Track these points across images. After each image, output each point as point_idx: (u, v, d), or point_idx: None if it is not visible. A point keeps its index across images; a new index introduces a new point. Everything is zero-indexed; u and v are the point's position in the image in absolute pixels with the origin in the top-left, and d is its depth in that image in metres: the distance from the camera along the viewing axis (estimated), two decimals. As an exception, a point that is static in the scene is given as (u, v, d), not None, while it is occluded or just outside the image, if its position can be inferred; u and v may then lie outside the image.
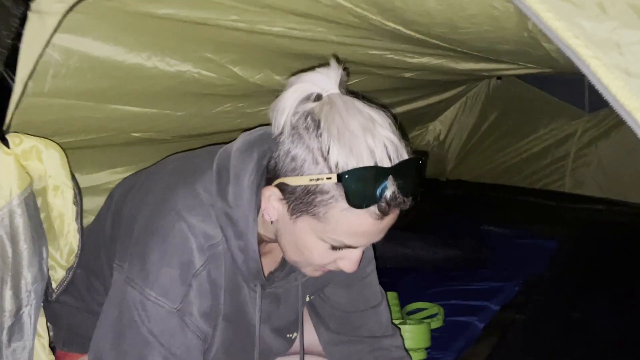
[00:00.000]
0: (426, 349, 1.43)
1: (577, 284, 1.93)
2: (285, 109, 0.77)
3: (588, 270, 2.04)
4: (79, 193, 0.99)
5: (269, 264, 0.96)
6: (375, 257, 2.08)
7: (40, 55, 0.84)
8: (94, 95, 1.03)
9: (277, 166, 0.80)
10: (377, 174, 0.73)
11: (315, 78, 0.79)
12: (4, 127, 0.89)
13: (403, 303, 1.75)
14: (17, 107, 0.88)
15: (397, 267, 2.06)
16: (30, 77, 0.85)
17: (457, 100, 2.74)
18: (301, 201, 0.77)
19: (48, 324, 0.96)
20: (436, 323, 1.64)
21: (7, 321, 0.90)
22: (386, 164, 0.74)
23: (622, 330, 1.55)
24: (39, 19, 0.83)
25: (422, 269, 2.07)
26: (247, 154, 0.86)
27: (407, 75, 1.57)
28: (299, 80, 0.79)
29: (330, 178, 0.74)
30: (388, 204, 0.75)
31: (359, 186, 0.73)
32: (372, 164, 0.73)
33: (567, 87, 2.58)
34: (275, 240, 0.89)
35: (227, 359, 0.98)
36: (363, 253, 0.84)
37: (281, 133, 0.79)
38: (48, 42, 0.84)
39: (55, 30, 0.83)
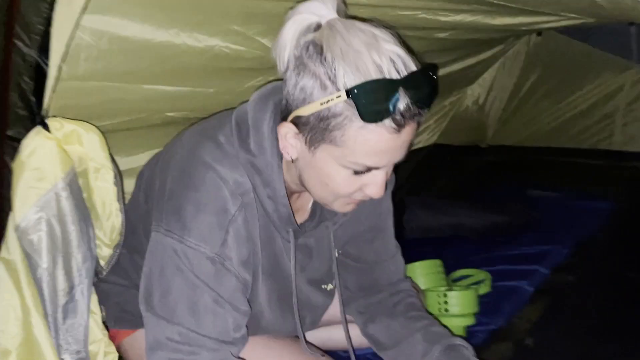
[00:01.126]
0: (475, 314, 1.41)
1: (632, 243, 1.84)
2: (287, 43, 0.78)
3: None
4: (119, 174, 1.01)
5: (299, 216, 0.97)
6: (417, 227, 2.06)
7: (71, 38, 0.85)
8: (127, 76, 1.04)
9: (288, 102, 0.80)
10: (386, 86, 0.73)
11: (312, 7, 0.79)
12: (43, 112, 0.91)
13: (448, 271, 1.72)
14: (53, 91, 0.90)
15: (441, 236, 2.03)
16: (63, 60, 0.87)
17: (496, 61, 2.64)
18: (317, 130, 0.78)
19: (100, 304, 1.00)
20: (484, 289, 1.61)
21: (62, 300, 0.94)
22: (395, 76, 0.74)
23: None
24: (66, 2, 0.84)
25: (468, 236, 2.03)
26: (262, 104, 0.88)
27: (441, 35, 1.51)
28: (296, 12, 0.79)
29: (339, 97, 0.74)
30: (403, 115, 0.74)
31: (370, 100, 0.73)
32: (375, 78, 0.73)
33: (613, 38, 2.45)
34: (302, 189, 0.90)
35: (271, 312, 1.00)
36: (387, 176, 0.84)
37: (287, 69, 0.79)
38: (77, 24, 0.85)
39: (83, 11, 0.84)
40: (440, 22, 1.36)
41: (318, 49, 0.76)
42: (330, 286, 1.09)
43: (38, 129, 0.90)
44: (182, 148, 0.93)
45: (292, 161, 0.85)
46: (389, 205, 1.12)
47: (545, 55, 2.66)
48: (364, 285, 1.15)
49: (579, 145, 2.76)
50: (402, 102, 0.74)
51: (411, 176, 2.43)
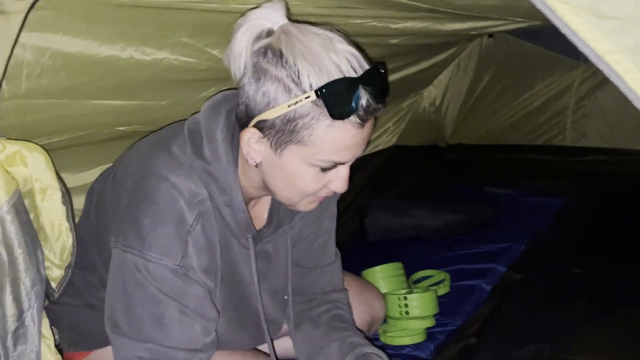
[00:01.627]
0: (434, 315, 1.43)
1: (580, 239, 1.90)
2: (242, 51, 0.79)
3: (593, 223, 2.02)
4: (67, 192, 0.98)
5: (257, 222, 0.97)
6: (379, 230, 2.08)
7: (10, 56, 0.83)
8: (73, 92, 1.01)
9: (249, 108, 0.81)
10: (349, 84, 0.76)
11: (262, 14, 0.80)
12: (-15, 134, 0.88)
13: (409, 272, 1.74)
14: (-6, 112, 0.87)
15: (402, 237, 2.06)
16: (2, 79, 0.84)
17: (450, 63, 2.69)
18: (283, 132, 0.79)
19: (52, 327, 0.97)
20: (443, 289, 1.64)
21: (11, 326, 0.90)
22: (353, 74, 0.77)
23: (624, 283, 1.52)
24: (3, 20, 0.81)
25: (428, 236, 2.06)
26: (215, 112, 0.89)
27: (394, 41, 1.53)
28: (248, 20, 0.80)
29: (308, 97, 0.76)
30: (365, 111, 0.78)
31: (337, 99, 0.76)
32: (338, 78, 0.76)
33: (560, 38, 2.51)
34: (263, 193, 0.92)
35: (225, 319, 0.98)
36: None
37: (243, 76, 0.80)
38: (16, 41, 0.82)
39: (21, 28, 0.81)
40: (391, 29, 1.38)
41: (277, 54, 0.77)
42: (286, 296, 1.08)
43: (-21, 152, 0.87)
44: (135, 160, 0.92)
45: (256, 166, 0.85)
46: (334, 211, 1.13)
47: (497, 56, 2.72)
48: (297, 290, 1.12)
49: (533, 142, 2.84)
50: (364, 98, 0.77)
51: (372, 179, 2.46)
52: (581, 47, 0.50)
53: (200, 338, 0.89)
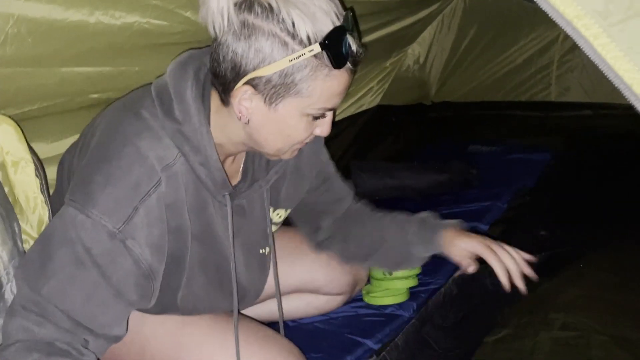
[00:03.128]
0: (417, 275, 1.45)
1: (563, 197, 1.90)
2: (223, 7, 0.76)
3: (577, 180, 2.03)
4: (40, 165, 0.97)
5: (231, 179, 0.96)
6: (363, 191, 2.08)
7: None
8: (41, 60, 0.98)
9: (237, 66, 0.79)
10: (340, 32, 0.78)
11: None
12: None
13: (394, 232, 1.75)
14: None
15: (386, 197, 2.06)
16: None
17: (434, 19, 2.64)
18: (280, 86, 0.80)
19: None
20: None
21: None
22: (337, 22, 0.78)
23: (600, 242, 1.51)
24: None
25: (412, 197, 2.07)
26: (182, 72, 0.87)
27: (374, -1, 1.50)
28: None
29: (312, 50, 0.77)
30: (355, 56, 0.81)
31: (336, 48, 0.78)
32: (331, 26, 0.77)
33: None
34: (239, 149, 0.92)
35: (206, 280, 0.98)
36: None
37: (225, 33, 0.78)
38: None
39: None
40: (371, -14, 1.34)
41: (266, 8, 0.76)
42: (267, 250, 1.08)
43: (-55, 124, 0.84)
44: (102, 126, 0.89)
45: (247, 123, 0.84)
46: (327, 156, 1.16)
47: (481, 11, 2.67)
48: (328, 222, 1.21)
49: (518, 98, 2.82)
50: (353, 44, 0.79)
51: (356, 140, 2.44)
52: (550, 12, 0.48)
53: (99, 321, 0.83)
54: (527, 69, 2.76)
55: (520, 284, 1.00)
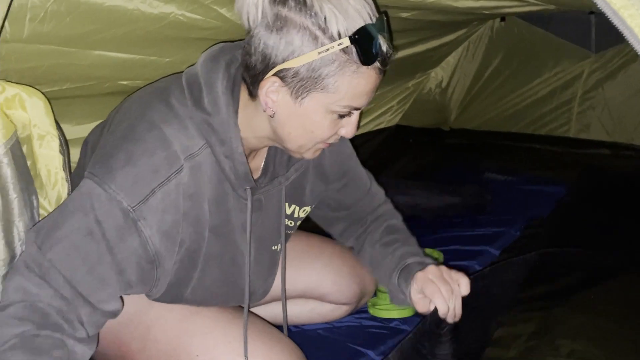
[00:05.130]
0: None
1: (576, 229, 1.89)
2: (259, 1, 0.78)
3: (591, 215, 2.01)
4: (65, 142, 0.98)
5: (253, 174, 0.95)
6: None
7: (13, -3, 0.81)
8: (76, 41, 1.00)
9: (267, 58, 0.80)
10: (372, 30, 0.78)
11: None
12: (-16, 75, 0.87)
13: (403, 249, 1.74)
14: (-5, 53, 0.86)
15: (398, 215, 2.06)
16: (4, 19, 0.83)
17: (459, 45, 2.66)
18: (307, 80, 0.80)
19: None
20: (436, 268, 1.64)
21: (2, 270, 0.91)
22: (370, 21, 0.79)
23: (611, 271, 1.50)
24: (8, -43, 0.79)
25: (423, 217, 2.06)
26: (213, 63, 0.88)
27: (404, 15, 1.51)
28: None
29: (341, 44, 0.77)
30: (385, 57, 0.81)
31: (366, 45, 0.78)
32: (363, 23, 0.78)
33: (573, 27, 2.50)
34: (264, 144, 0.93)
35: (219, 273, 0.98)
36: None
37: (258, 25, 0.79)
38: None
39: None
40: (403, 0, 1.36)
41: (300, 2, 0.77)
42: (279, 246, 1.08)
43: (-23, 92, 0.86)
44: (131, 108, 0.90)
45: (272, 116, 0.85)
46: (350, 150, 1.15)
47: (507, 41, 2.69)
48: (350, 224, 1.22)
49: (537, 132, 2.82)
50: (383, 44, 0.79)
51: (372, 156, 2.45)
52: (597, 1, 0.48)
53: (98, 294, 0.82)
54: (549, 102, 2.76)
55: (451, 320, 0.99)
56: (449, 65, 2.76)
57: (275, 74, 0.81)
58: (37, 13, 0.88)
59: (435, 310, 0.98)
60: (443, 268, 1.02)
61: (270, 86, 0.82)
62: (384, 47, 0.80)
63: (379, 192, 1.24)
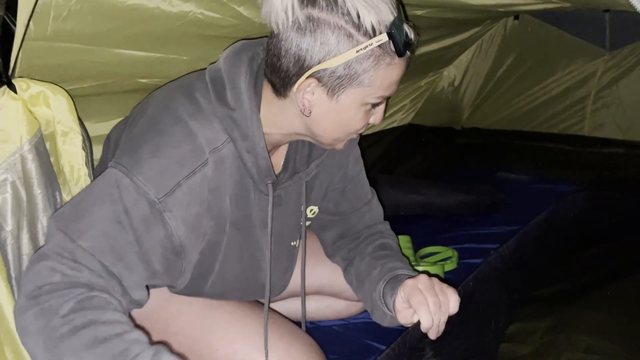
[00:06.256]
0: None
1: (591, 225, 1.88)
2: (288, 5, 0.78)
3: (607, 211, 2.00)
4: (87, 139, 1.00)
5: (275, 169, 0.96)
6: (389, 205, 2.09)
7: (39, -5, 0.83)
8: (97, 39, 1.01)
9: (301, 60, 0.81)
10: (400, 22, 0.81)
11: None
12: (10, 72, 0.89)
13: (417, 247, 1.75)
14: (20, 51, 0.88)
15: (411, 214, 2.06)
16: (30, 18, 0.85)
17: (473, 44, 2.65)
18: (344, 77, 0.82)
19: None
20: (450, 265, 1.64)
21: (26, 264, 0.93)
22: (395, 13, 0.81)
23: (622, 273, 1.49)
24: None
25: (437, 215, 2.06)
26: (236, 60, 0.89)
27: (418, 12, 1.51)
28: None
29: (380, 40, 0.79)
30: (413, 44, 0.84)
31: (399, 37, 0.80)
32: (392, 16, 0.80)
33: (587, 25, 2.48)
34: (288, 139, 0.93)
35: (239, 267, 0.98)
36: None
37: (288, 28, 0.80)
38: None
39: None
40: (418, -2, 1.36)
41: (330, 2, 0.78)
42: (297, 242, 1.09)
43: (3, 89, 0.87)
44: (156, 103, 0.91)
45: (309, 115, 0.86)
46: (357, 154, 1.15)
47: (521, 39, 2.67)
48: (344, 234, 1.19)
49: (550, 130, 2.80)
50: (410, 32, 0.82)
51: (384, 155, 2.45)
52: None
53: (126, 281, 0.81)
54: (562, 101, 2.74)
55: (433, 336, 0.92)
56: (461, 64, 2.75)
57: (310, 75, 0.82)
58: (61, 11, 0.89)
59: (418, 323, 0.90)
60: (435, 280, 0.94)
61: (306, 88, 0.83)
62: (412, 35, 0.82)
63: (378, 209, 1.21)
